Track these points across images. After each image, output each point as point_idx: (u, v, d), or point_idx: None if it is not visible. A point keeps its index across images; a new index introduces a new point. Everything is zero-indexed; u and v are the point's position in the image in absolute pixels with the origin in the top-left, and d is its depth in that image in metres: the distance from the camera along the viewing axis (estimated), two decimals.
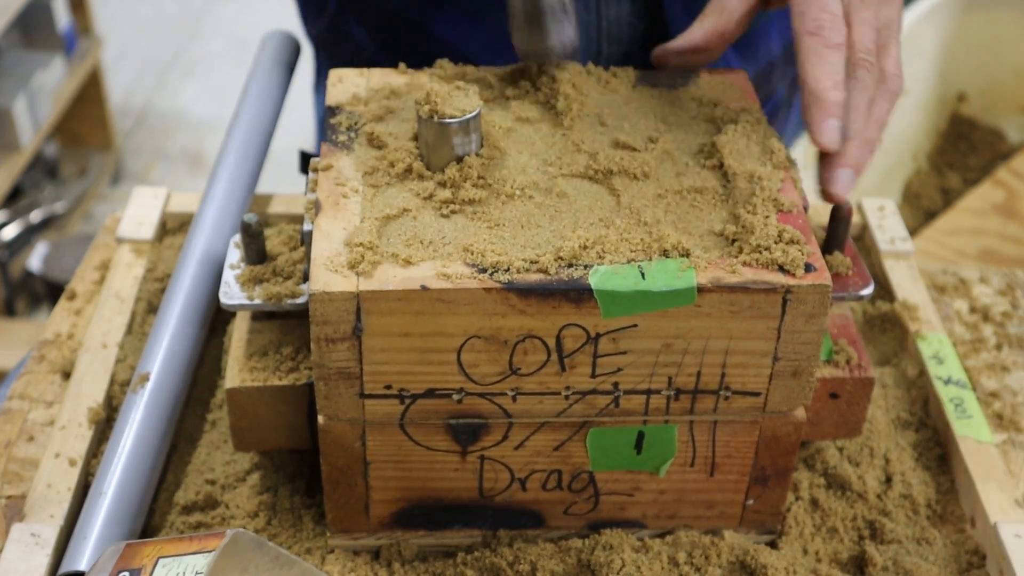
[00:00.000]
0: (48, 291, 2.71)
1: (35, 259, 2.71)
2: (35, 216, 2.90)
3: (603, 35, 1.08)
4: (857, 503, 0.85)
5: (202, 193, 0.99)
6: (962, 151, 1.81)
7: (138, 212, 1.05)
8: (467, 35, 1.07)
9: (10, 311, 2.74)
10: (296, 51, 1.11)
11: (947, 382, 0.92)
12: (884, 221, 1.06)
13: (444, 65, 0.86)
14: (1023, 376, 0.96)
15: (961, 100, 1.82)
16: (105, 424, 0.87)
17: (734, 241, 0.72)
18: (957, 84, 1.80)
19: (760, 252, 0.70)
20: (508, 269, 0.68)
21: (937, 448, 0.90)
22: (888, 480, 0.86)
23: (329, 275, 0.68)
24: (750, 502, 0.79)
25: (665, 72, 0.87)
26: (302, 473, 0.85)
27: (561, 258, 0.69)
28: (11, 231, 2.85)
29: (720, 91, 0.84)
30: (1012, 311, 1.02)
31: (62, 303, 1.00)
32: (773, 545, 0.81)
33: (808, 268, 0.69)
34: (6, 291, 2.73)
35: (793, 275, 0.69)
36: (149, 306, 0.98)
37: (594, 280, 0.68)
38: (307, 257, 0.78)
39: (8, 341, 2.50)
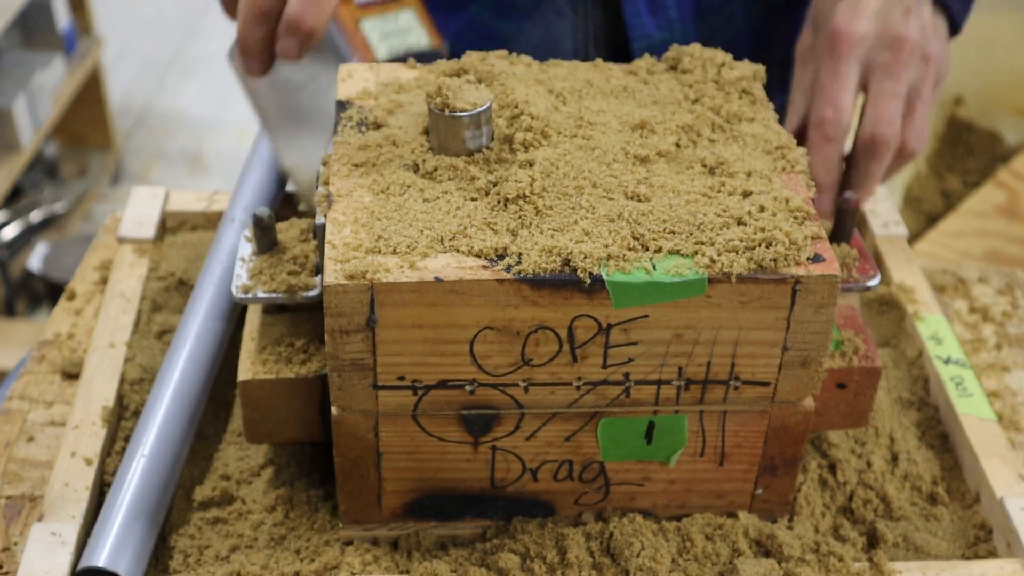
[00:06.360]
0: (48, 291, 2.71)
1: (35, 259, 2.71)
2: (35, 216, 2.90)
3: (590, 40, 1.08)
4: (865, 482, 0.86)
5: (202, 191, 0.99)
6: (960, 154, 1.82)
7: (138, 212, 1.05)
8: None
9: (10, 311, 2.74)
10: None
11: (947, 361, 0.94)
12: (877, 206, 1.08)
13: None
14: (1023, 376, 0.97)
15: (958, 103, 1.83)
16: (116, 423, 0.88)
17: (743, 233, 0.72)
18: (954, 87, 1.80)
19: (770, 244, 0.70)
20: (520, 260, 0.69)
21: (940, 426, 0.92)
22: (894, 459, 0.88)
23: (343, 267, 0.69)
24: (759, 491, 0.80)
25: (677, 67, 0.87)
26: (316, 466, 0.86)
27: (573, 249, 0.70)
28: (11, 231, 2.85)
29: (729, 86, 0.85)
30: (1012, 311, 1.03)
31: (62, 303, 1.01)
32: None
33: (817, 259, 0.70)
34: (6, 291, 2.73)
35: (803, 265, 0.70)
36: (154, 305, 0.98)
37: (606, 271, 0.69)
38: (319, 250, 0.78)
39: (8, 341, 2.50)
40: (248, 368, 0.79)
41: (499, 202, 0.73)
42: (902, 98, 0.91)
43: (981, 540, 0.84)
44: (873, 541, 0.82)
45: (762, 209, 0.73)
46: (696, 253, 0.70)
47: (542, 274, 0.69)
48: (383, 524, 0.80)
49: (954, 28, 0.98)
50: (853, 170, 0.92)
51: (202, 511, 0.83)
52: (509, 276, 0.68)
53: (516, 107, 0.78)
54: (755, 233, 0.71)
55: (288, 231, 0.82)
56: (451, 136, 0.76)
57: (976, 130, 1.81)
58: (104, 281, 1.02)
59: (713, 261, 0.69)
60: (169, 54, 3.61)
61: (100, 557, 0.76)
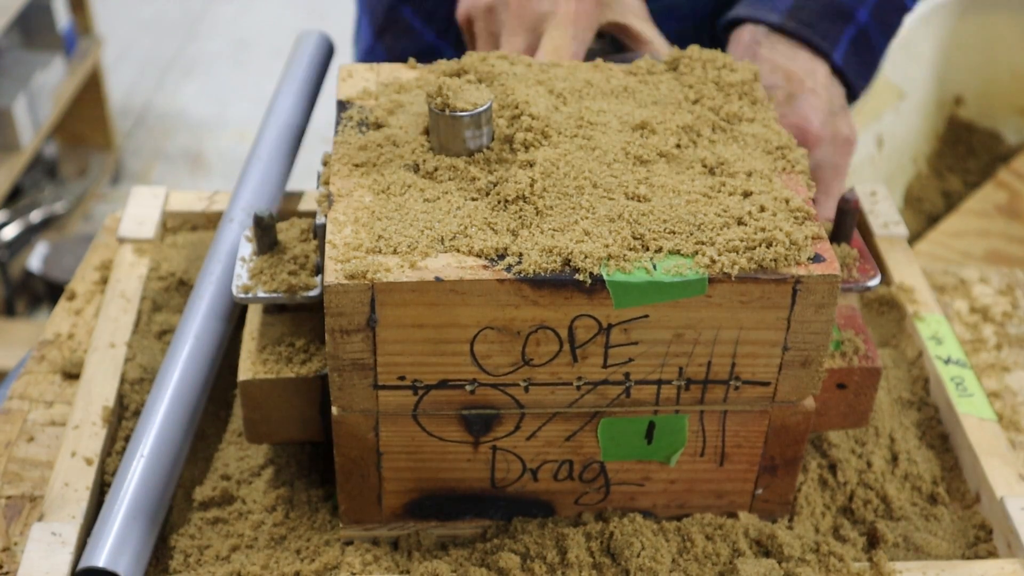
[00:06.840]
0: (48, 291, 2.71)
1: (35, 259, 2.71)
2: (35, 216, 2.90)
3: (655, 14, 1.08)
4: (865, 482, 0.86)
5: (202, 191, 0.99)
6: (960, 154, 1.81)
7: (138, 212, 1.05)
8: None
9: (10, 311, 2.74)
10: (330, 52, 1.10)
11: (947, 362, 0.94)
12: (876, 206, 1.07)
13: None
14: (1023, 376, 0.97)
15: (958, 104, 1.82)
16: (116, 423, 0.88)
17: (744, 233, 0.72)
18: (954, 88, 1.80)
19: (770, 244, 0.70)
20: (520, 260, 0.69)
21: (940, 426, 0.92)
22: (894, 459, 0.88)
23: (343, 267, 0.69)
24: (759, 491, 0.80)
25: (677, 67, 0.87)
26: (316, 466, 0.86)
27: (573, 249, 0.70)
28: (11, 231, 2.85)
29: (729, 87, 0.85)
30: (1012, 311, 1.03)
31: (62, 303, 1.01)
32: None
33: (817, 259, 0.70)
34: (6, 291, 2.73)
35: (803, 265, 0.70)
36: (154, 305, 0.98)
37: (606, 271, 0.69)
38: (320, 250, 0.78)
39: (8, 341, 2.50)
40: (248, 368, 0.79)
41: (499, 202, 0.73)
42: (839, 196, 0.95)
43: (981, 540, 0.84)
44: (873, 541, 0.83)
45: (762, 209, 0.73)
46: (696, 253, 0.70)
47: (542, 274, 0.69)
48: (383, 524, 0.80)
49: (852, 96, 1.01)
50: None
51: (202, 511, 0.83)
52: (509, 276, 0.68)
53: (516, 107, 0.78)
54: (755, 233, 0.71)
55: (288, 231, 0.82)
56: (451, 136, 0.76)
57: (976, 130, 1.81)
58: (104, 281, 1.02)
59: (713, 261, 0.69)
60: (169, 54, 3.61)
61: (100, 557, 0.76)
